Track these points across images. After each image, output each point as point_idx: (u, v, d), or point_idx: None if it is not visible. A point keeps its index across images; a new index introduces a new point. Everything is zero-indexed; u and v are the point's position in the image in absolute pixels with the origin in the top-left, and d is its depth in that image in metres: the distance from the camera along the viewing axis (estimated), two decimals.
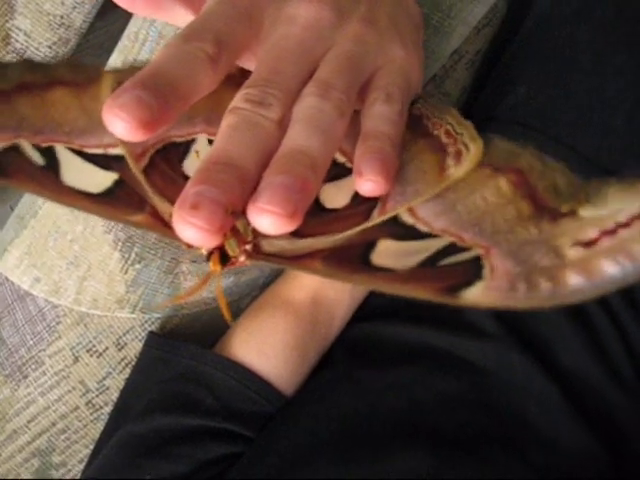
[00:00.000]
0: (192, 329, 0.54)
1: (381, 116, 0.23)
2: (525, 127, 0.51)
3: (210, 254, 0.21)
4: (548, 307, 0.20)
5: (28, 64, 0.23)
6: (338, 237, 0.22)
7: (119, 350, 0.52)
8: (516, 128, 0.50)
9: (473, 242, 0.21)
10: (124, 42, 0.47)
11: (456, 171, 0.21)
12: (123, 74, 0.24)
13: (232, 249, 0.21)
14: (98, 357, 0.51)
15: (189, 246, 0.21)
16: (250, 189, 0.19)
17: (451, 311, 0.51)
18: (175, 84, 0.19)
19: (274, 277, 0.57)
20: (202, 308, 0.53)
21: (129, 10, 0.24)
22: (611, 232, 0.18)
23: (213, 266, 0.22)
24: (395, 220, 0.22)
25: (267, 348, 0.48)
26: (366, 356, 0.51)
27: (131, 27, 0.47)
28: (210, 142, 0.24)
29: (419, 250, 0.21)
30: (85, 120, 0.23)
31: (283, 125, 0.21)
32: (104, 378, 0.52)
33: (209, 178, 0.19)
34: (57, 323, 0.52)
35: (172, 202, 0.22)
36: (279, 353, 0.48)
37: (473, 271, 0.20)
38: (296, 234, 0.21)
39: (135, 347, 0.52)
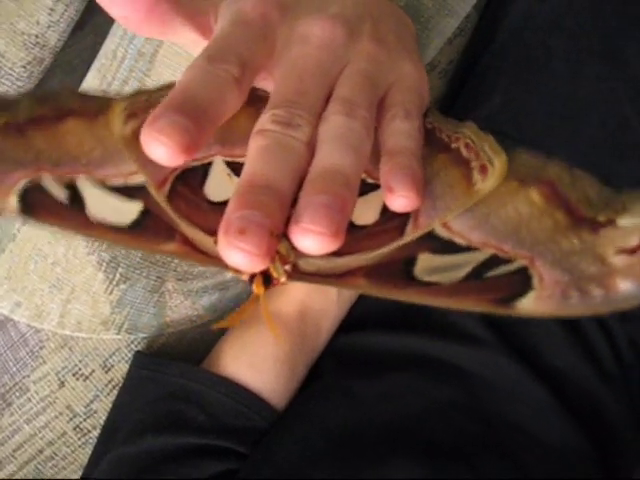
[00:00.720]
0: (179, 347, 0.53)
1: (403, 132, 0.23)
2: (500, 135, 0.52)
3: (252, 277, 0.21)
4: (605, 313, 0.20)
5: (37, 96, 0.23)
6: (375, 254, 0.22)
7: (106, 372, 0.51)
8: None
9: (515, 253, 0.21)
10: (101, 60, 0.47)
11: (484, 186, 0.22)
12: (132, 100, 0.24)
13: (277, 271, 0.21)
14: (84, 380, 0.51)
15: (236, 271, 0.21)
16: (288, 210, 0.19)
17: (440, 317, 0.52)
18: (206, 107, 0.19)
19: None
20: (188, 326, 0.53)
21: (137, 32, 0.24)
22: None
23: (257, 289, 0.21)
24: (431, 235, 0.22)
25: (258, 363, 0.48)
26: (355, 366, 0.51)
27: (108, 45, 0.47)
28: (228, 164, 0.24)
29: (461, 263, 0.21)
30: (100, 150, 0.23)
31: (311, 145, 0.21)
32: (91, 402, 0.51)
33: (250, 201, 0.19)
34: (40, 348, 0.51)
35: (200, 227, 0.22)
36: (270, 367, 0.48)
37: (522, 282, 0.21)
38: (333, 253, 0.21)
39: (122, 369, 0.51)
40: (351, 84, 0.23)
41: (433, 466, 0.47)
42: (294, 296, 0.49)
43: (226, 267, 0.22)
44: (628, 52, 0.48)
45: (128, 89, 0.46)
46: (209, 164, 0.24)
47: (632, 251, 0.19)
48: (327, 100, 0.23)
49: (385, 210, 0.22)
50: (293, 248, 0.20)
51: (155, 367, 0.49)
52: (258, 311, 0.51)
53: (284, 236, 0.19)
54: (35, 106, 0.22)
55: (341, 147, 0.21)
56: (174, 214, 0.22)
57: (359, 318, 0.53)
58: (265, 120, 0.21)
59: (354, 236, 0.22)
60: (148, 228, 0.22)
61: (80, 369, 0.50)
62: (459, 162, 0.23)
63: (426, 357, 0.51)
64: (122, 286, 0.49)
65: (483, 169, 0.22)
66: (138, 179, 0.23)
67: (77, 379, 0.50)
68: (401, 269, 0.22)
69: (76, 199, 0.22)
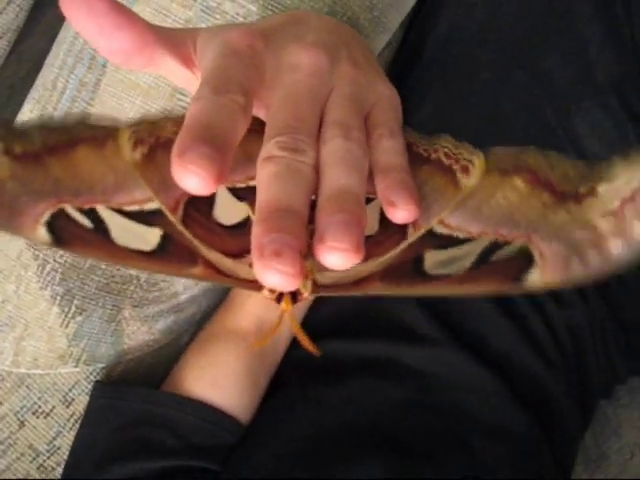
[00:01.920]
0: (137, 373, 0.53)
1: (391, 150, 0.25)
2: None
3: (279, 295, 0.22)
4: (606, 273, 0.22)
5: (46, 125, 0.23)
6: (384, 259, 0.23)
7: (67, 407, 0.50)
8: None
9: (512, 235, 0.23)
10: (39, 91, 0.46)
11: (468, 182, 0.24)
12: (136, 128, 0.24)
13: (305, 287, 0.22)
14: (45, 417, 0.50)
15: (271, 291, 0.22)
16: (307, 230, 0.21)
17: (392, 321, 0.54)
18: (224, 136, 0.21)
19: (209, 312, 0.57)
20: (145, 351, 0.53)
21: (122, 65, 0.24)
22: (630, 199, 0.22)
23: (286, 306, 0.22)
24: (432, 233, 0.24)
25: (221, 380, 0.49)
26: (315, 374, 0.53)
27: (46, 75, 0.46)
28: (230, 190, 0.25)
29: (466, 254, 0.23)
30: (113, 177, 0.23)
31: (316, 167, 0.23)
32: (54, 438, 0.50)
33: (277, 225, 0.20)
34: None
35: (217, 250, 0.23)
36: (234, 383, 0.49)
37: (525, 260, 0.23)
38: None
39: (83, 401, 0.50)
40: (341, 107, 0.25)
41: (396, 461, 0.49)
42: (251, 312, 0.50)
43: (249, 287, 0.23)
44: (550, 62, 0.52)
45: None
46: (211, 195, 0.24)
47: (615, 213, 0.22)
48: (320, 123, 0.24)
49: (382, 220, 0.24)
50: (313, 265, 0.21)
51: (116, 395, 0.49)
52: (216, 329, 0.51)
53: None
54: (46, 134, 0.23)
55: (346, 169, 0.23)
56: (192, 237, 0.23)
57: (314, 327, 0.54)
58: (272, 147, 0.22)
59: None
60: (172, 253, 0.23)
61: (40, 406, 0.49)
62: (442, 170, 0.25)
63: (382, 360, 0.53)
64: (78, 318, 0.48)
65: (465, 169, 0.24)
66: (153, 205, 0.23)
67: (37, 417, 0.49)
68: (412, 268, 0.24)
69: (100, 227, 0.23)
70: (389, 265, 0.24)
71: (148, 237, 0.23)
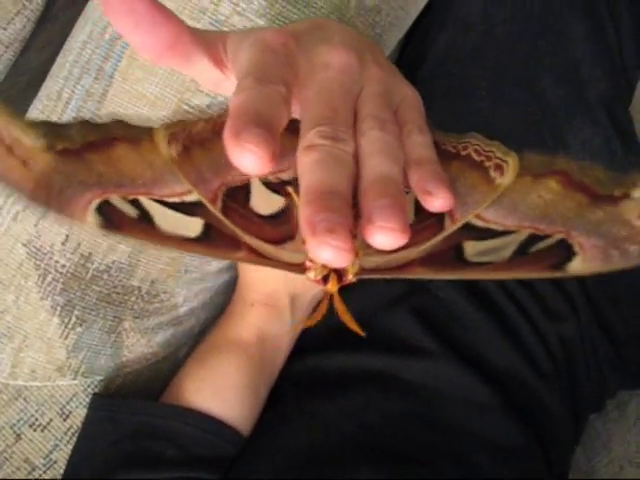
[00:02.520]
0: (135, 387, 0.53)
1: (422, 145, 0.26)
2: None
3: (324, 278, 0.23)
4: None
5: (86, 124, 0.24)
6: (423, 247, 0.24)
7: (64, 420, 0.49)
8: None
9: (550, 230, 0.24)
10: (43, 102, 0.47)
11: (503, 180, 0.25)
12: (173, 127, 0.25)
13: (354, 267, 0.23)
14: (42, 431, 0.49)
15: (315, 273, 0.23)
16: (352, 212, 0.21)
17: (388, 333, 0.55)
18: (272, 121, 0.21)
19: (208, 325, 0.57)
20: (143, 364, 0.53)
21: (155, 61, 0.25)
22: None
23: (332, 287, 0.23)
24: (469, 226, 0.25)
25: (222, 391, 0.49)
26: (313, 388, 0.53)
27: (51, 86, 0.46)
28: (264, 183, 0.25)
29: (505, 245, 0.24)
30: (151, 172, 0.24)
31: (355, 157, 0.24)
32: (50, 452, 0.49)
33: (326, 206, 0.21)
34: None
35: (258, 238, 0.24)
36: (234, 394, 0.49)
37: (566, 249, 0.23)
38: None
39: (80, 414, 0.50)
40: (373, 103, 0.26)
41: (394, 474, 0.49)
42: (252, 323, 0.50)
43: (293, 270, 0.24)
44: (544, 80, 0.54)
45: None
46: (248, 184, 0.25)
47: None
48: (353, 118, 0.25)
49: (418, 211, 0.24)
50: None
51: (115, 407, 0.49)
52: (217, 340, 0.51)
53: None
54: (85, 132, 0.23)
55: (386, 158, 0.23)
56: (232, 226, 0.24)
57: (312, 340, 0.54)
58: (312, 136, 0.23)
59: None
60: (215, 239, 0.23)
61: (37, 419, 0.49)
62: (474, 166, 0.26)
63: (380, 374, 0.53)
64: (78, 329, 0.48)
65: (498, 167, 0.25)
66: (192, 197, 0.24)
67: (34, 430, 0.49)
68: (452, 255, 0.24)
69: (145, 215, 0.23)
70: (429, 252, 0.24)
71: (191, 225, 0.23)
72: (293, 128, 0.24)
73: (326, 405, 0.52)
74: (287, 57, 0.25)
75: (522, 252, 0.24)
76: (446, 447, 0.52)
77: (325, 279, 0.23)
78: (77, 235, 0.46)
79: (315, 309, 0.25)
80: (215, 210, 0.24)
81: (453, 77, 0.56)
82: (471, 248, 0.24)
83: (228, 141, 0.21)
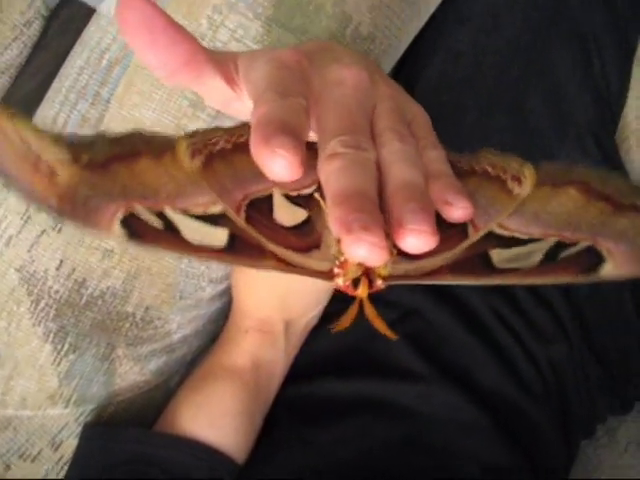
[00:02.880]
0: (127, 415, 0.52)
1: (437, 159, 0.26)
2: None
3: (355, 282, 0.23)
4: None
5: (109, 138, 0.24)
6: (449, 254, 0.24)
7: (55, 450, 0.48)
8: None
9: (576, 237, 0.24)
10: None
11: (522, 190, 0.25)
12: (191, 140, 0.25)
13: (385, 269, 0.22)
14: (32, 461, 0.48)
15: (345, 279, 0.22)
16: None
17: (380, 358, 0.55)
18: (297, 131, 0.21)
19: (200, 354, 0.57)
20: (135, 393, 0.52)
21: (167, 80, 0.25)
22: None
23: (362, 291, 0.23)
24: (493, 235, 0.25)
25: (217, 419, 0.48)
26: (308, 414, 0.52)
27: (46, 111, 0.46)
28: (286, 196, 0.25)
29: (532, 251, 0.24)
30: (174, 185, 0.24)
31: (377, 165, 0.24)
32: None
33: (358, 207, 0.21)
34: None
35: (286, 247, 0.24)
36: (230, 422, 0.48)
37: (594, 255, 0.23)
38: (414, 256, 0.23)
39: (72, 444, 0.49)
40: (389, 117, 0.26)
41: None
42: (247, 349, 0.50)
43: (321, 277, 0.23)
44: (532, 109, 0.55)
45: None
46: (270, 196, 0.25)
47: None
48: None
49: (440, 224, 0.24)
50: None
51: (107, 436, 0.48)
52: (212, 367, 0.51)
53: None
54: (109, 146, 0.23)
55: (409, 166, 0.24)
56: (258, 235, 0.23)
57: (306, 366, 0.54)
58: (334, 145, 0.23)
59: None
60: (242, 249, 0.23)
61: (27, 449, 0.48)
62: (491, 179, 0.26)
63: (374, 400, 0.53)
64: (71, 356, 0.47)
65: (516, 179, 0.25)
66: (215, 209, 0.24)
67: (24, 460, 0.48)
68: (480, 262, 0.24)
69: (171, 227, 0.23)
70: (456, 261, 0.24)
71: (217, 236, 0.23)
72: (308, 147, 0.24)
73: (321, 431, 0.52)
74: (302, 73, 0.25)
75: (551, 258, 0.24)
76: (441, 471, 0.52)
77: (355, 285, 0.23)
78: (72, 260, 0.46)
79: (343, 314, 0.25)
80: (240, 220, 0.24)
81: (444, 105, 0.57)
82: (497, 256, 0.24)
83: (258, 147, 0.21)
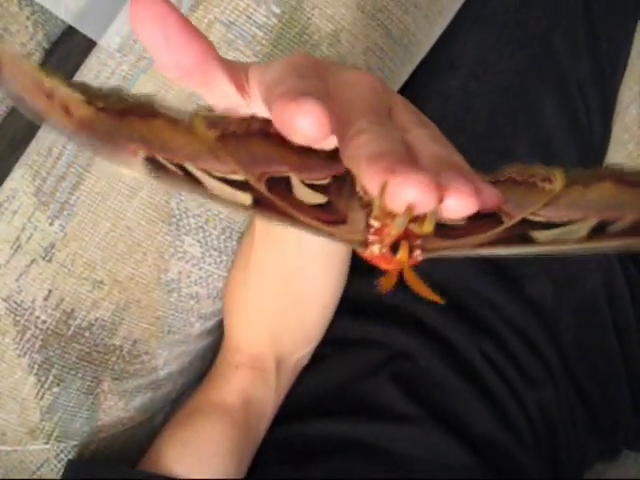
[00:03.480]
0: (110, 453, 0.50)
1: (462, 159, 0.26)
2: None
3: (393, 247, 0.21)
4: None
5: (122, 95, 0.23)
6: (488, 234, 0.23)
7: None
8: None
9: (620, 215, 0.23)
10: (32, 157, 0.46)
11: (554, 186, 0.24)
12: (212, 117, 0.24)
13: (430, 223, 0.21)
14: None
15: (381, 245, 0.22)
16: None
17: (371, 399, 0.54)
18: (322, 102, 0.21)
19: (185, 392, 0.56)
20: (119, 429, 0.51)
21: (179, 81, 0.24)
22: None
23: (403, 255, 0.22)
24: (529, 221, 0.24)
25: (205, 457, 0.47)
26: (297, 454, 0.51)
27: (41, 142, 0.46)
28: (302, 182, 0.25)
29: (573, 231, 0.23)
30: (191, 149, 0.23)
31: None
32: None
33: (397, 161, 0.20)
34: None
35: (311, 218, 0.23)
36: (218, 461, 0.47)
37: None
38: (450, 235, 0.23)
39: None
40: (407, 114, 0.26)
41: None
42: (237, 386, 0.49)
43: (355, 243, 0.23)
44: (519, 150, 0.57)
45: (65, 185, 0.46)
46: (288, 177, 0.24)
47: None
48: None
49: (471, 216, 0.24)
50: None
51: (91, 472, 0.46)
52: (200, 404, 0.50)
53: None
54: (124, 102, 0.22)
55: (439, 145, 0.23)
56: (285, 205, 0.22)
57: (294, 407, 0.53)
58: (360, 124, 0.22)
59: (456, 229, 0.24)
60: (268, 209, 0.22)
61: None
62: (519, 183, 0.25)
63: (362, 442, 0.53)
64: (55, 389, 0.46)
65: (546, 179, 0.24)
66: (236, 177, 0.23)
67: None
68: (521, 240, 0.23)
69: (193, 177, 0.22)
70: (495, 240, 0.24)
71: (241, 197, 0.23)
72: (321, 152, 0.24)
73: (310, 471, 0.51)
74: (317, 72, 0.25)
75: (597, 233, 0.23)
76: None
77: (393, 251, 0.21)
78: (60, 290, 0.45)
79: (381, 280, 0.24)
80: (264, 189, 0.23)
81: None
82: (539, 235, 0.24)
83: (283, 105, 0.20)
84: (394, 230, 0.21)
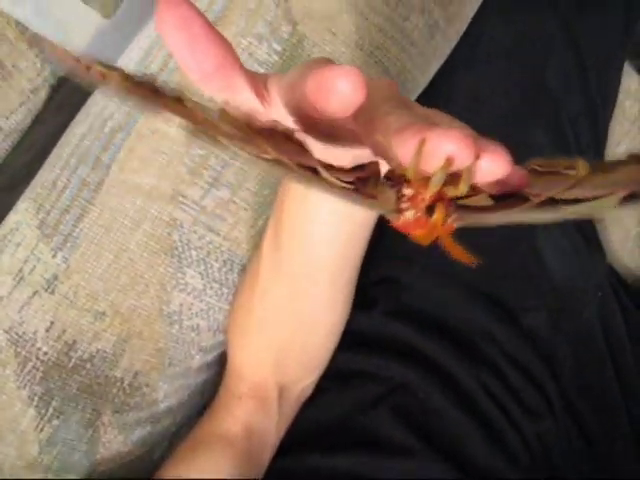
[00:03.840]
0: None
1: None
2: None
3: (429, 209, 0.22)
4: None
5: (127, 75, 0.23)
6: (513, 213, 0.23)
7: None
8: None
9: None
10: (36, 190, 0.47)
11: (578, 172, 0.24)
12: (238, 114, 0.25)
13: (466, 182, 0.21)
14: None
15: (415, 209, 0.22)
16: None
17: (372, 432, 0.54)
18: None
19: (184, 426, 0.56)
20: (118, 463, 0.50)
21: (201, 83, 0.25)
22: None
23: (438, 216, 0.22)
24: (555, 200, 0.24)
25: None
26: None
27: (46, 175, 0.47)
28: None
29: (607, 202, 0.23)
30: (221, 130, 0.24)
31: None
32: None
33: (430, 125, 0.20)
34: None
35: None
36: None
37: None
38: (482, 209, 0.23)
39: None
40: (426, 110, 0.26)
41: None
42: (239, 417, 0.49)
43: (386, 210, 0.23)
44: None
45: (69, 217, 0.46)
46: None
47: None
48: None
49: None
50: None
51: None
52: (203, 435, 0.49)
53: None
54: (124, 82, 0.23)
55: (466, 127, 0.23)
56: (316, 178, 0.23)
57: (294, 441, 0.53)
58: (385, 108, 0.23)
59: (485, 209, 0.24)
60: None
61: None
62: (541, 173, 0.25)
63: (361, 476, 0.52)
64: (54, 422, 0.46)
65: (569, 167, 0.25)
66: (267, 156, 0.23)
67: None
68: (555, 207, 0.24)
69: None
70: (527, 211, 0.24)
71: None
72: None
73: None
74: None
75: (629, 201, 0.23)
76: None
77: (429, 212, 0.22)
78: (62, 322, 0.45)
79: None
80: (293, 165, 0.23)
81: None
82: (573, 208, 0.24)
83: (322, 72, 0.21)
84: (432, 188, 0.21)
